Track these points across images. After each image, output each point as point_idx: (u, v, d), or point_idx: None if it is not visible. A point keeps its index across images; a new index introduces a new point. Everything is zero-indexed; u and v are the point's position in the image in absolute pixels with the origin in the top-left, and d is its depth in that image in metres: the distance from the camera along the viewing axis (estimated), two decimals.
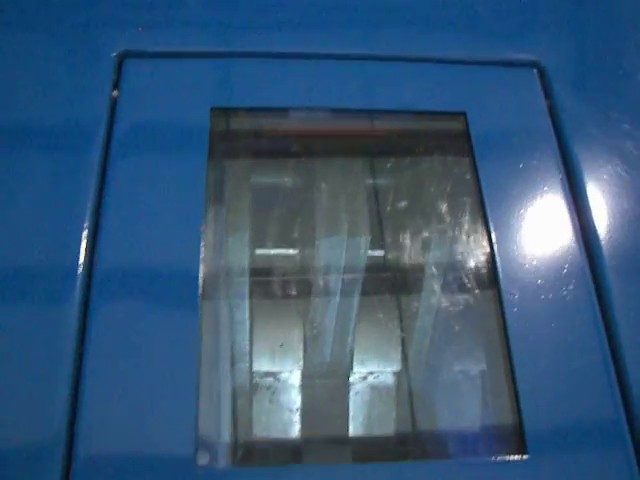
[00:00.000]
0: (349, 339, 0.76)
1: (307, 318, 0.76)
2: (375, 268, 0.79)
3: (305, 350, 0.74)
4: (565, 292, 0.65)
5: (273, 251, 0.79)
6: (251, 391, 0.71)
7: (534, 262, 0.67)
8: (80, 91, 0.71)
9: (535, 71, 0.79)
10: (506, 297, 0.65)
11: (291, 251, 0.79)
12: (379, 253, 0.80)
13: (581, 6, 0.86)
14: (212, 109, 0.72)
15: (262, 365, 0.73)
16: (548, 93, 0.78)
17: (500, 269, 0.66)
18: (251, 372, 0.72)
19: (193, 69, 0.74)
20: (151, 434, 0.55)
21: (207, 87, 0.73)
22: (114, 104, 0.71)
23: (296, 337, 0.75)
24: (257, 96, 0.74)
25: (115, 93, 0.72)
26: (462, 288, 0.74)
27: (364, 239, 0.78)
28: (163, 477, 0.54)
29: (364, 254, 0.79)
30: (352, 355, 0.76)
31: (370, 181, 0.83)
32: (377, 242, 0.79)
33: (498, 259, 0.67)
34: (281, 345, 0.74)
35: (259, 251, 0.78)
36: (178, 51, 0.75)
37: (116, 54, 0.73)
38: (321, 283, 0.78)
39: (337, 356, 0.76)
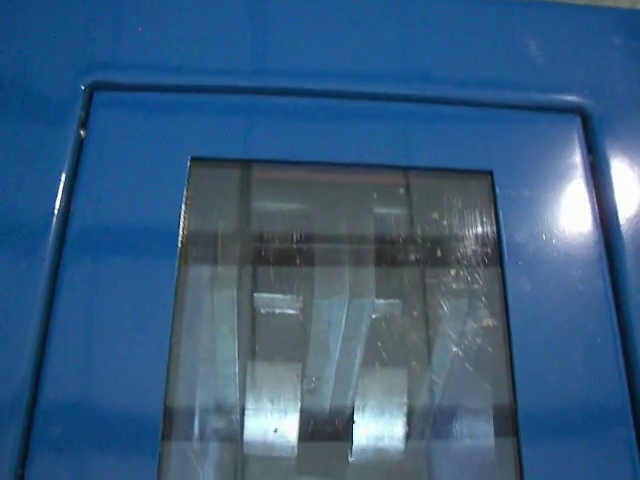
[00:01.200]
0: (348, 409, 0.70)
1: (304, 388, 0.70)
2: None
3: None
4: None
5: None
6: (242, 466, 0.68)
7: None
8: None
9: (578, 119, 0.66)
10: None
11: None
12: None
13: (637, 41, 0.72)
14: (193, 159, 0.61)
15: (254, 449, 0.68)
16: (592, 147, 0.66)
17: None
18: (242, 451, 0.67)
19: (174, 108, 0.63)
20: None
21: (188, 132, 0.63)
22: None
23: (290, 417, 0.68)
24: (250, 146, 0.63)
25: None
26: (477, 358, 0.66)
27: (369, 301, 0.69)
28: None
29: (368, 317, 0.70)
30: (352, 434, 0.69)
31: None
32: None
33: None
34: (275, 430, 0.67)
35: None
36: (157, 84, 0.64)
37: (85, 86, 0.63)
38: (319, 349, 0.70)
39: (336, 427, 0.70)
